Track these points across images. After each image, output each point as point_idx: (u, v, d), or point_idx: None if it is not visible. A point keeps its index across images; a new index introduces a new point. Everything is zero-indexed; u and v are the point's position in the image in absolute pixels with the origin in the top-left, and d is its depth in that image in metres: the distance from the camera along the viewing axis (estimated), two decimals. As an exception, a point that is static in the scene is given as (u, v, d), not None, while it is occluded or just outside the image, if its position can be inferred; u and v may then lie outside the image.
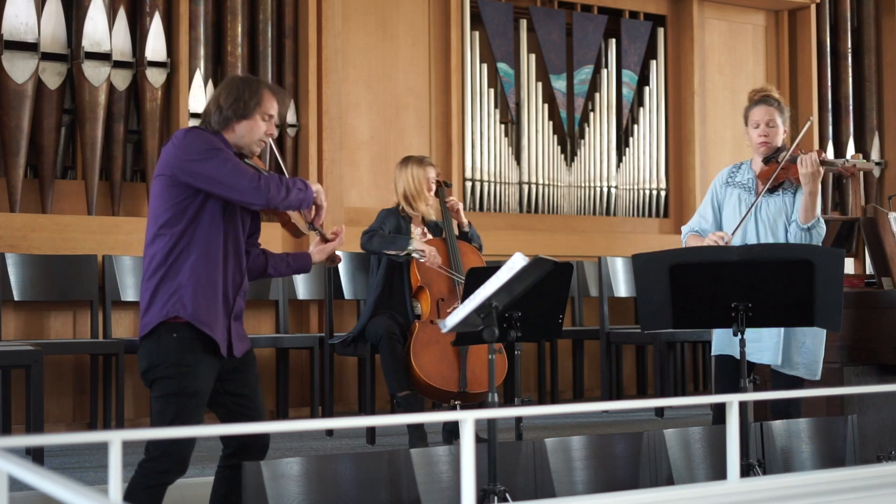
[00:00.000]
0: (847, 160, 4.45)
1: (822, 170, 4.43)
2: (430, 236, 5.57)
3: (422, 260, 5.30)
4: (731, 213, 4.65)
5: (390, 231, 5.46)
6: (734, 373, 4.50)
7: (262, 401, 3.60)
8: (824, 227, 4.52)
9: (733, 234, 4.51)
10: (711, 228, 4.66)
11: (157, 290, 3.38)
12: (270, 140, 3.56)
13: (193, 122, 6.42)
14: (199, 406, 3.39)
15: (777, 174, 4.53)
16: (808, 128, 4.76)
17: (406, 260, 5.35)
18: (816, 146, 8.62)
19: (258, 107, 3.47)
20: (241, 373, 3.52)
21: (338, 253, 3.81)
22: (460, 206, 5.66)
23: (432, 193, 5.55)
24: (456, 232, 5.62)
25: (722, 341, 4.54)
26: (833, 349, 4.72)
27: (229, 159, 3.37)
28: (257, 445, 3.49)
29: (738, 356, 4.41)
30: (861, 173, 6.23)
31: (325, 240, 3.74)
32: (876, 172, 9.09)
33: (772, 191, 4.59)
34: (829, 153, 8.78)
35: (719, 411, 4.61)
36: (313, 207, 3.59)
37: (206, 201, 3.40)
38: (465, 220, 5.65)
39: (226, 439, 3.50)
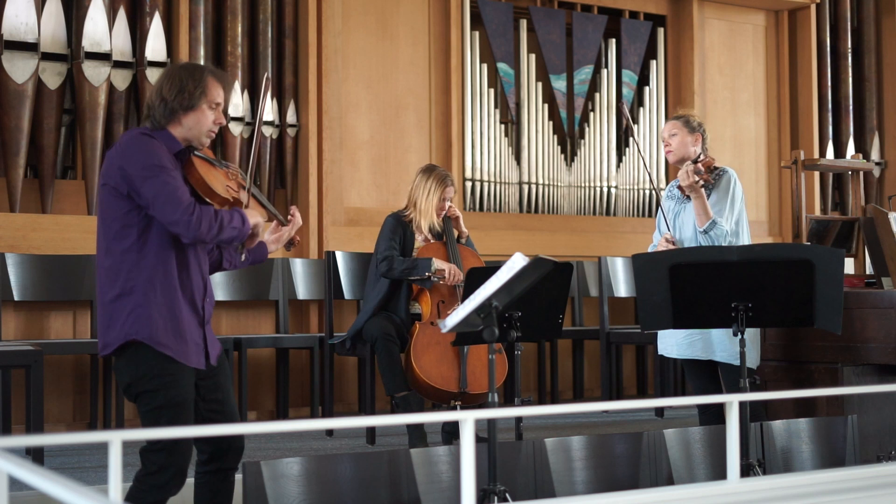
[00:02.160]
0: (703, 170, 4.63)
1: (696, 179, 4.59)
2: (431, 240, 5.56)
3: (442, 281, 5.31)
4: (670, 223, 4.83)
5: (400, 242, 5.45)
6: (705, 374, 4.65)
7: (234, 402, 3.52)
8: (723, 229, 4.62)
9: (669, 230, 4.76)
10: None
11: (114, 310, 3.26)
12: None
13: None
14: (189, 414, 3.31)
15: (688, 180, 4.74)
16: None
17: (430, 284, 5.35)
18: (817, 147, 8.63)
19: (204, 96, 3.33)
20: (214, 377, 3.43)
21: (296, 236, 3.65)
22: (460, 214, 5.64)
23: (442, 215, 5.52)
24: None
25: (677, 345, 4.63)
26: (833, 349, 4.72)
27: (168, 182, 3.20)
28: (233, 448, 3.41)
29: (696, 357, 4.54)
30: (861, 173, 6.21)
31: (281, 224, 3.59)
32: (876, 172, 9.09)
33: (689, 197, 4.76)
34: (829, 153, 8.78)
35: (703, 412, 4.67)
36: (252, 237, 3.40)
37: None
38: (464, 230, 5.63)
39: (201, 445, 3.40)
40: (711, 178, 4.67)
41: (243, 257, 3.51)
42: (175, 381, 3.27)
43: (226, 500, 3.42)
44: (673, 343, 4.66)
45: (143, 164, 3.21)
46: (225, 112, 3.43)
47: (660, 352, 4.77)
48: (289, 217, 3.59)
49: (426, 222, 5.49)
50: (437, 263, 5.33)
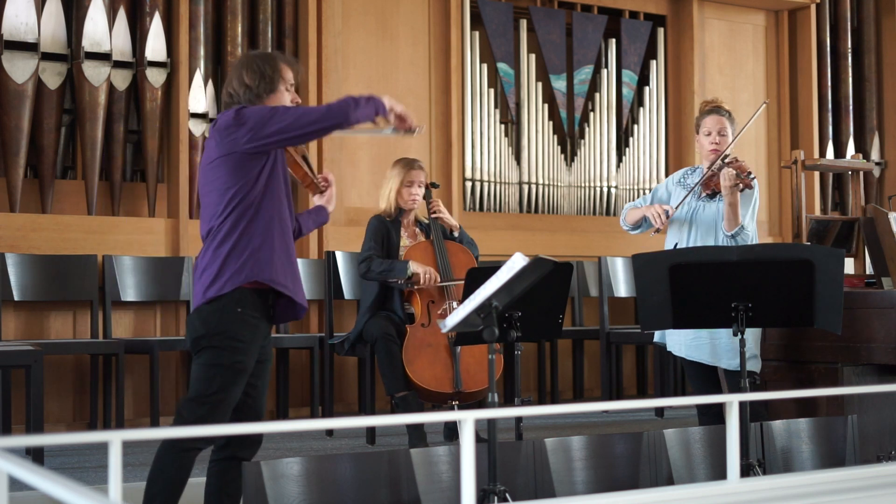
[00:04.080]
0: (746, 175, 4.57)
1: (737, 182, 4.54)
2: (420, 238, 5.55)
3: (419, 285, 5.31)
4: (680, 210, 4.78)
5: (382, 242, 5.45)
6: (707, 376, 4.62)
7: (265, 396, 3.64)
8: (749, 234, 4.62)
9: (677, 207, 4.69)
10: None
11: (229, 256, 3.42)
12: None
13: (193, 123, 6.43)
14: (242, 382, 3.44)
15: (708, 181, 4.70)
16: (761, 110, 5.00)
17: (407, 286, 5.35)
18: (817, 147, 8.63)
19: (281, 79, 3.59)
20: (262, 363, 3.56)
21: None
22: (443, 209, 5.60)
23: (416, 201, 5.51)
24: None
25: (685, 344, 4.60)
26: (833, 349, 4.72)
27: (289, 109, 3.49)
28: (250, 439, 3.53)
29: (702, 361, 4.53)
30: (861, 173, 6.21)
31: (321, 191, 3.88)
32: (876, 172, 9.10)
33: (711, 196, 4.72)
34: (829, 153, 8.78)
35: (704, 414, 4.65)
36: (392, 116, 3.58)
37: (271, 169, 3.50)
38: (454, 224, 5.60)
39: None
40: (751, 181, 4.61)
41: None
42: (246, 348, 3.42)
43: (235, 491, 3.47)
44: (681, 341, 4.62)
45: (264, 113, 3.45)
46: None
47: (668, 347, 4.75)
48: (323, 184, 3.90)
49: (385, 204, 5.49)
50: (413, 267, 5.32)
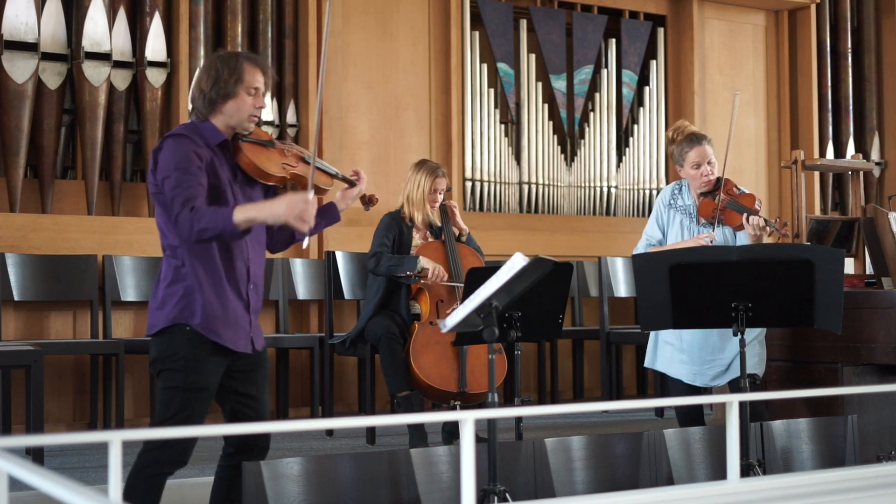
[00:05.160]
0: (779, 224, 4.54)
1: (768, 229, 4.52)
2: (430, 238, 5.56)
3: (427, 279, 5.31)
4: (675, 237, 4.72)
5: (394, 240, 5.45)
6: (690, 392, 4.57)
7: (267, 403, 3.58)
8: None
9: (714, 228, 4.64)
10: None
11: (167, 295, 3.35)
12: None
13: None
14: (204, 402, 3.37)
15: (718, 218, 4.64)
16: (737, 103, 4.98)
17: (414, 282, 5.35)
18: (817, 147, 8.63)
19: (240, 83, 3.37)
20: (252, 372, 3.49)
21: (374, 195, 3.74)
22: (457, 208, 5.63)
23: (436, 207, 5.53)
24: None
25: (683, 370, 4.58)
26: (833, 349, 4.72)
27: (180, 184, 3.27)
28: (259, 446, 3.47)
29: (685, 380, 4.50)
30: (861, 173, 6.22)
31: (350, 184, 3.64)
32: (876, 172, 9.09)
33: (709, 223, 4.67)
34: (829, 153, 8.78)
35: (683, 416, 4.63)
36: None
37: (215, 202, 3.35)
38: (463, 227, 5.62)
39: (228, 438, 3.48)
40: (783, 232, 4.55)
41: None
42: (200, 367, 3.33)
43: (239, 498, 3.43)
44: (683, 372, 4.57)
45: (169, 166, 3.31)
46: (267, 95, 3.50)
47: (660, 368, 4.69)
48: (352, 177, 3.63)
49: (419, 214, 5.49)
50: (423, 262, 5.33)
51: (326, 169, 3.60)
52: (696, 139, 4.72)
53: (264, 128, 6.67)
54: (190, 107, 3.49)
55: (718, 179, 4.71)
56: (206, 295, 3.34)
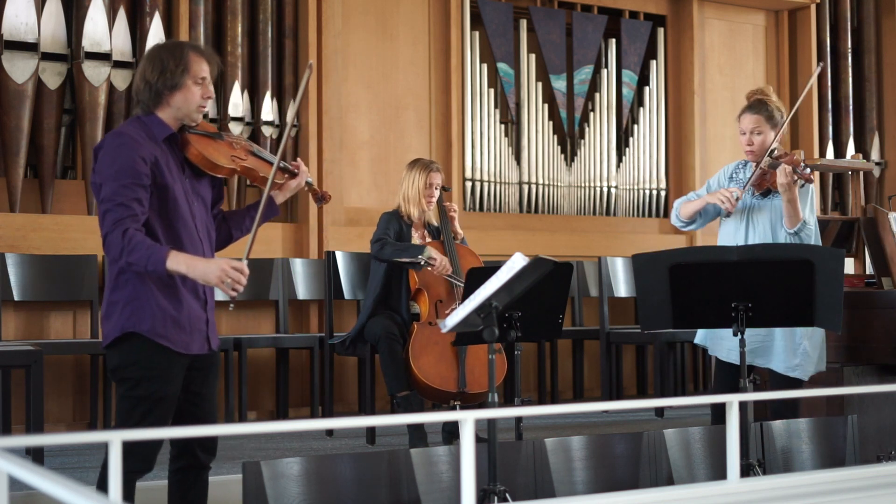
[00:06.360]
0: (806, 168, 4.42)
1: (795, 179, 4.42)
2: (428, 239, 5.56)
3: (431, 268, 5.30)
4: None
5: (394, 236, 5.46)
6: (735, 378, 4.54)
7: (215, 402, 3.47)
8: (811, 226, 4.52)
9: (745, 189, 4.55)
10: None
11: (113, 301, 3.24)
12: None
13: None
14: (167, 410, 3.27)
15: (760, 181, 4.56)
16: (816, 74, 4.98)
17: (419, 268, 5.35)
18: (817, 147, 8.63)
19: (187, 73, 3.28)
20: (204, 372, 3.39)
21: (326, 192, 3.67)
22: (456, 214, 5.63)
23: (432, 203, 5.53)
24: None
25: (722, 346, 4.57)
26: (833, 349, 4.72)
27: (115, 198, 3.16)
28: (203, 445, 3.37)
29: (753, 364, 4.46)
30: (861, 173, 6.22)
31: (291, 174, 3.57)
32: (876, 172, 9.09)
33: (765, 195, 4.61)
34: (829, 153, 8.78)
35: (718, 411, 4.63)
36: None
37: (160, 205, 3.23)
38: (459, 231, 5.63)
39: (173, 440, 3.36)
40: (809, 174, 4.40)
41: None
42: (161, 375, 3.24)
43: (197, 498, 3.37)
44: (733, 348, 4.50)
45: (108, 170, 3.19)
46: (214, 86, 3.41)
47: (712, 352, 4.67)
48: (292, 167, 3.58)
49: (416, 210, 5.49)
50: (432, 251, 5.34)
51: (268, 158, 3.55)
52: (750, 107, 4.76)
53: (265, 128, 6.68)
54: (135, 99, 3.37)
55: (772, 151, 4.59)
56: (156, 298, 3.23)
